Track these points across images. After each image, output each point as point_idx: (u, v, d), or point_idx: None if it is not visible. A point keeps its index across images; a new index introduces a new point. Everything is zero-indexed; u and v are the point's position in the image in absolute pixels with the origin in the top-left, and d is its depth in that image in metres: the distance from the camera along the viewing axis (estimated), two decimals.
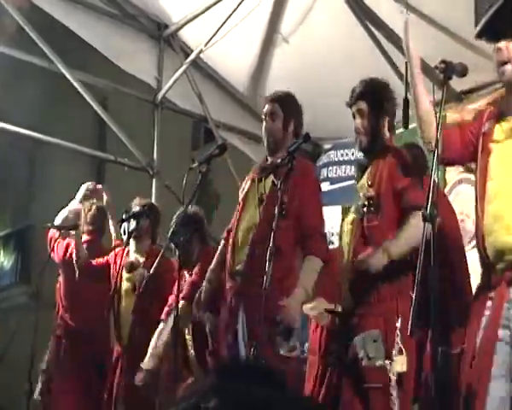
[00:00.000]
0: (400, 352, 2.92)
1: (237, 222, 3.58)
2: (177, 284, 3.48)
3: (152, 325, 4.43)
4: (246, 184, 3.71)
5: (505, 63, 2.53)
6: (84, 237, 5.24)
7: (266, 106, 3.70)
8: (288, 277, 3.42)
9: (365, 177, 3.27)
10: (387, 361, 2.94)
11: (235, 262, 3.51)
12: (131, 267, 4.66)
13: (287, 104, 3.68)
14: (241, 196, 3.69)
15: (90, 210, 5.33)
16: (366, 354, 2.96)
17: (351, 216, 3.29)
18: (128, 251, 4.74)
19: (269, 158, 3.70)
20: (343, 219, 3.48)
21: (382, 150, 3.24)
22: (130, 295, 4.68)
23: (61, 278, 5.25)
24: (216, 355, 3.56)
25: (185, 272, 4.31)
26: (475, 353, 2.45)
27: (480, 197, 2.58)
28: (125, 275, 4.70)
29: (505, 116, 2.62)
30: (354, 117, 3.37)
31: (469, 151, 2.71)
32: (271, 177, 3.54)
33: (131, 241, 4.72)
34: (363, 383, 2.99)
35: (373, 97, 3.30)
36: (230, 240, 3.58)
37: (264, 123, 3.70)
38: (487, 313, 2.47)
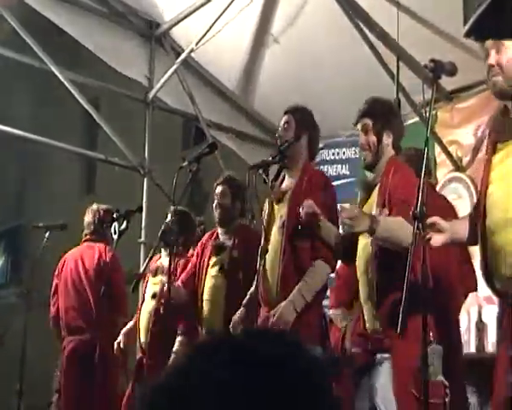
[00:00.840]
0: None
1: (265, 248, 3.54)
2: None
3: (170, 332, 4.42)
4: (266, 208, 3.68)
5: (495, 71, 2.52)
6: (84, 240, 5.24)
7: (282, 118, 3.73)
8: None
9: (374, 196, 3.25)
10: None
11: (267, 290, 3.51)
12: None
13: (300, 117, 3.68)
14: (264, 221, 3.65)
15: (94, 215, 5.22)
16: (434, 368, 2.94)
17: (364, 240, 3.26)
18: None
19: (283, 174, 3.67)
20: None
21: (387, 167, 3.23)
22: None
23: None
24: None
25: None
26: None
27: (480, 231, 2.58)
28: (151, 280, 4.67)
29: (504, 140, 2.58)
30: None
31: None
32: (286, 197, 3.52)
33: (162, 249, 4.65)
34: (424, 396, 2.96)
35: (377, 114, 3.30)
36: (261, 267, 3.54)
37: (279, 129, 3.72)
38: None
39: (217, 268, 4.12)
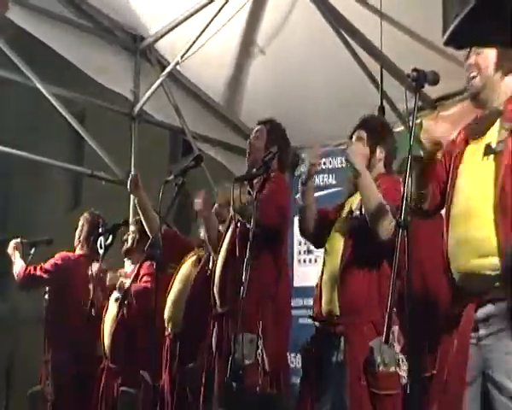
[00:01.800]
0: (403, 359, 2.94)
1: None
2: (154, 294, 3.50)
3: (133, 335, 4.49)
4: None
5: (473, 70, 2.57)
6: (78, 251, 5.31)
7: (254, 129, 3.85)
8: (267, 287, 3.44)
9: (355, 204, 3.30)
10: (397, 368, 2.96)
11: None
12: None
13: (272, 129, 3.80)
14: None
15: (88, 220, 5.33)
16: (383, 359, 2.95)
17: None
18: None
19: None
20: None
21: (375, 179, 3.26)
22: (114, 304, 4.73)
23: None
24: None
25: None
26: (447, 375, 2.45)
27: (446, 221, 2.60)
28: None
29: (474, 137, 2.62)
30: None
31: (436, 203, 2.74)
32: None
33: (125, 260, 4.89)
34: (377, 389, 2.97)
35: (373, 128, 3.38)
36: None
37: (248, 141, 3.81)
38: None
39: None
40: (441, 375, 2.49)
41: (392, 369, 2.96)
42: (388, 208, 3.05)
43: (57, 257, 5.21)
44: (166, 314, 4.32)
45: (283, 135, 3.83)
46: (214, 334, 3.59)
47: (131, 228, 4.87)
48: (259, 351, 3.25)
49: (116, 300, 4.64)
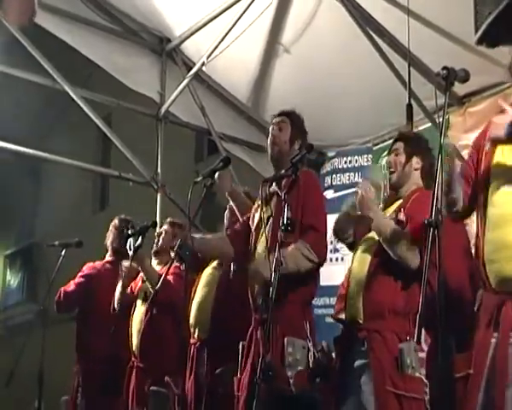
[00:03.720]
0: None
1: (253, 249, 3.54)
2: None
3: (161, 335, 4.49)
4: (255, 213, 3.67)
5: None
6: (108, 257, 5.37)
7: (274, 119, 3.70)
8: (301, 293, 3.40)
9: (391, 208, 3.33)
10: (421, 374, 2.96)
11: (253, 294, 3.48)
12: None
13: (296, 122, 3.68)
14: (252, 225, 3.63)
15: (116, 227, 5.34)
16: (411, 362, 2.95)
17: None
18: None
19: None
20: None
21: (412, 192, 3.28)
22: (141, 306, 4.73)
23: None
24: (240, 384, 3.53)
25: None
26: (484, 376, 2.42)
27: (480, 223, 2.57)
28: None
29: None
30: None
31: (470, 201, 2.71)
32: (274, 199, 3.50)
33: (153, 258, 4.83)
34: (405, 391, 2.96)
35: (409, 139, 3.41)
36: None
37: (270, 134, 3.68)
38: (493, 339, 2.45)
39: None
40: (479, 375, 2.46)
41: (418, 374, 2.96)
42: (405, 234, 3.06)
43: (83, 269, 5.32)
44: (192, 320, 4.23)
45: (304, 128, 3.73)
46: (255, 339, 3.46)
47: (164, 227, 4.83)
48: (311, 354, 3.20)
49: (144, 300, 4.65)
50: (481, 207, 2.59)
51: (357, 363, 3.13)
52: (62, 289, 5.21)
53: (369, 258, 3.21)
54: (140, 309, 4.71)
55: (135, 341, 4.67)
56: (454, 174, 2.64)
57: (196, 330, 4.22)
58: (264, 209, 3.51)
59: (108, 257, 5.37)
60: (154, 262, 4.83)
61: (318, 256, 3.31)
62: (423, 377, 3.00)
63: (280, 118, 3.67)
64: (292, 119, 3.66)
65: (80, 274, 5.31)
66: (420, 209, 3.07)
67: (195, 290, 4.30)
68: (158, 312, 4.56)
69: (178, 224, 4.81)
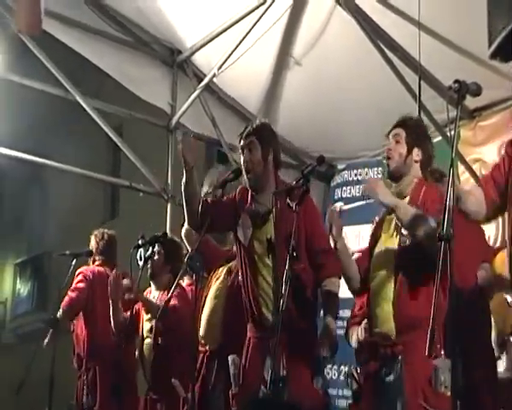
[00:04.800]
0: None
1: (253, 271, 3.53)
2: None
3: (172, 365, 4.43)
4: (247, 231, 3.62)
5: None
6: (97, 264, 5.38)
7: (242, 142, 3.62)
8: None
9: None
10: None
11: (262, 311, 3.49)
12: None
13: (264, 135, 3.62)
14: (243, 242, 3.60)
15: (101, 239, 5.39)
16: (445, 380, 2.92)
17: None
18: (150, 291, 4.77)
19: (254, 195, 3.62)
20: None
21: (418, 185, 3.25)
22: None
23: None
24: (240, 398, 3.53)
25: None
26: None
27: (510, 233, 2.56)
28: (145, 316, 4.68)
29: None
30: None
31: (495, 207, 2.70)
32: (271, 220, 3.50)
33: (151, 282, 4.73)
34: (434, 408, 2.93)
35: (412, 128, 3.33)
36: (249, 288, 3.53)
37: (241, 157, 3.63)
38: None
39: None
40: None
41: (449, 393, 2.92)
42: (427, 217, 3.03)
43: (78, 272, 5.33)
44: (202, 332, 4.18)
45: (273, 133, 3.66)
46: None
47: (156, 248, 4.63)
48: None
49: (150, 331, 4.59)
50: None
51: (388, 379, 3.11)
52: (67, 298, 5.21)
53: (390, 274, 3.17)
54: (148, 341, 4.64)
55: (147, 371, 4.63)
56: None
57: (206, 341, 4.18)
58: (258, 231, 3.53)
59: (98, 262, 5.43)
60: (153, 287, 4.75)
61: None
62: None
63: (247, 139, 3.60)
64: (259, 135, 3.59)
65: (79, 279, 5.31)
66: (434, 204, 3.06)
67: (204, 303, 4.24)
68: (166, 341, 4.50)
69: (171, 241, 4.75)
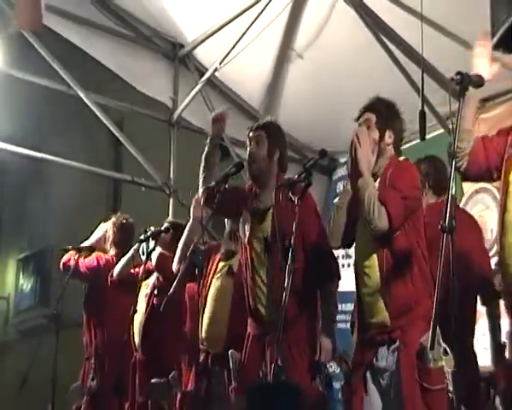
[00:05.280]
0: (446, 352, 2.90)
1: (251, 268, 3.56)
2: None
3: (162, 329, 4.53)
4: (246, 227, 3.64)
5: None
6: (112, 252, 5.36)
7: (251, 133, 3.65)
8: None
9: None
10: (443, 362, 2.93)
11: (258, 307, 3.52)
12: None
13: (273, 133, 3.64)
14: (244, 239, 3.63)
15: (116, 224, 5.38)
16: (433, 355, 2.92)
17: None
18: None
19: (255, 189, 3.64)
20: None
21: (388, 165, 3.20)
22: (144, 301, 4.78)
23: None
24: (239, 392, 3.53)
25: None
26: None
27: (499, 228, 2.56)
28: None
29: None
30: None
31: (492, 169, 2.71)
32: (269, 216, 3.51)
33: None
34: (430, 385, 2.94)
35: (381, 111, 3.26)
36: (248, 284, 3.56)
37: (247, 148, 3.65)
38: None
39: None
40: None
41: (441, 363, 2.92)
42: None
43: (93, 256, 5.31)
44: (204, 334, 4.07)
45: (282, 135, 3.69)
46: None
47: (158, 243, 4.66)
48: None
49: (146, 295, 4.73)
50: (501, 211, 2.59)
51: (382, 364, 3.09)
52: (77, 262, 5.16)
53: (375, 257, 3.13)
54: (142, 305, 4.73)
55: (136, 335, 4.74)
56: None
57: (207, 344, 4.08)
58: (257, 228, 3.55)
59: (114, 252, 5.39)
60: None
61: None
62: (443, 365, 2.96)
63: (256, 132, 3.63)
64: (268, 131, 3.62)
65: (91, 262, 5.30)
66: (400, 180, 3.05)
67: (205, 302, 4.13)
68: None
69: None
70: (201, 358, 4.07)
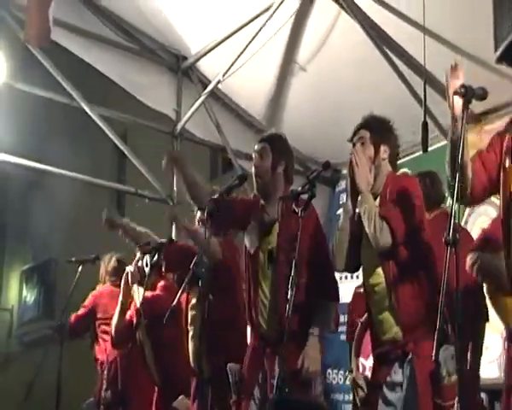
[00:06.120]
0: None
1: (255, 280, 3.54)
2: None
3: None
4: (253, 238, 3.63)
5: None
6: (107, 288, 5.44)
7: (256, 146, 3.65)
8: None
9: None
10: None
11: (259, 319, 3.51)
12: None
13: (277, 145, 3.63)
14: (250, 251, 3.61)
15: (109, 262, 5.47)
16: (448, 372, 2.91)
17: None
18: None
19: (263, 204, 3.62)
20: None
21: (386, 182, 3.21)
22: None
23: None
24: (239, 406, 3.51)
25: None
26: None
27: (504, 236, 2.56)
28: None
29: None
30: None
31: (492, 186, 2.72)
32: (275, 228, 3.50)
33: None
34: (443, 401, 2.93)
35: (375, 127, 3.28)
36: (250, 298, 3.54)
37: (253, 161, 3.65)
38: None
39: None
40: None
41: (454, 378, 2.90)
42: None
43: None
44: (191, 359, 4.05)
45: (287, 147, 3.67)
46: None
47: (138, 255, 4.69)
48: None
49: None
50: (505, 219, 2.58)
51: (397, 378, 3.08)
52: (73, 315, 5.31)
53: (382, 274, 3.13)
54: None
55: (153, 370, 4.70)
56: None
57: (198, 370, 3.99)
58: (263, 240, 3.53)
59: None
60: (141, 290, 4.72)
61: None
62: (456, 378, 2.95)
63: (260, 145, 3.63)
64: (272, 143, 3.60)
65: (86, 302, 5.43)
66: (396, 194, 3.06)
67: (193, 319, 4.08)
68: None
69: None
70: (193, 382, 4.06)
